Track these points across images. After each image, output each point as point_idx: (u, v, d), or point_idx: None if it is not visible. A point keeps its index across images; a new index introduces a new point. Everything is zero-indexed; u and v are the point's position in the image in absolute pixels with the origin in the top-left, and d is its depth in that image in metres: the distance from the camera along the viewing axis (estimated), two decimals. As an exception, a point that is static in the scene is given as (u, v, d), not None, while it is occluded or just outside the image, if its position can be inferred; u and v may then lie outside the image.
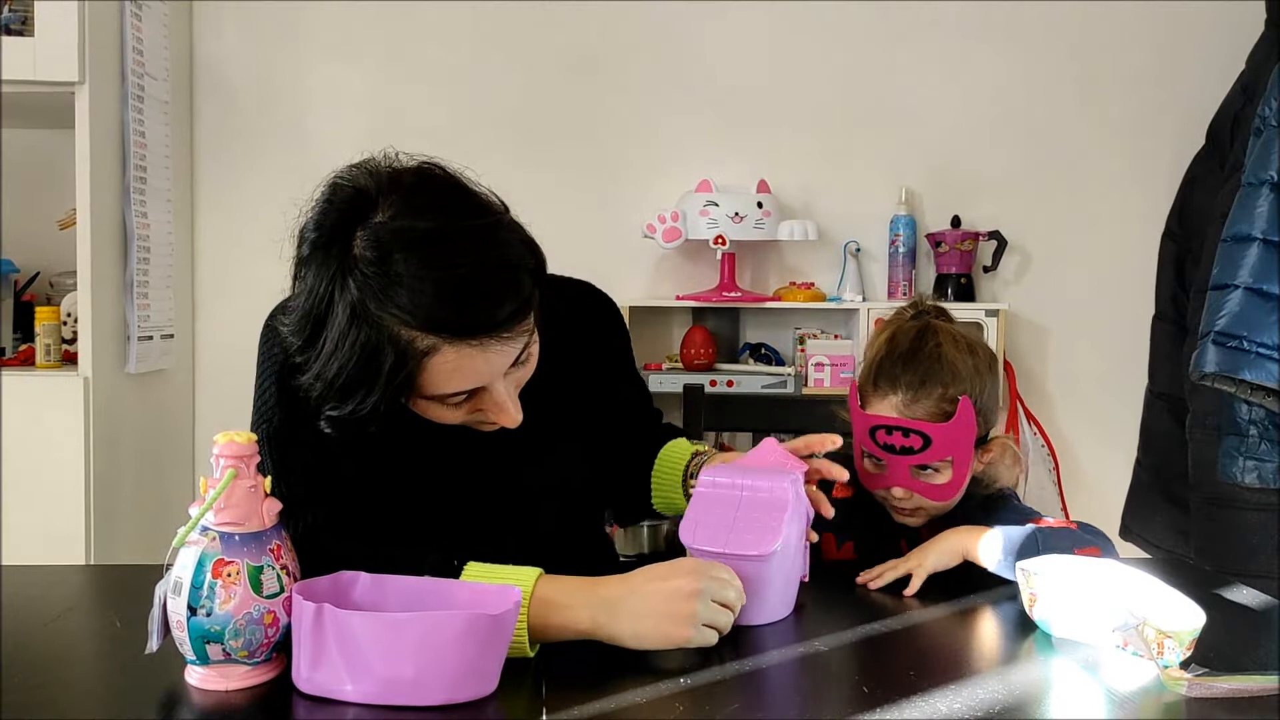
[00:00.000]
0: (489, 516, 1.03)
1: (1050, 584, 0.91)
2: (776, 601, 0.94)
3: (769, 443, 1.01)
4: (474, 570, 0.86)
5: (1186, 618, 0.85)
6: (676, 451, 1.13)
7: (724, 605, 0.85)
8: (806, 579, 1.00)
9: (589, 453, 1.11)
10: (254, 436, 0.81)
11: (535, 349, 0.91)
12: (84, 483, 1.85)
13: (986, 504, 1.17)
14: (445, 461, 1.01)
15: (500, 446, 0.98)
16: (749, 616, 0.91)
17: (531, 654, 0.83)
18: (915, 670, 0.84)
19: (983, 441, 1.15)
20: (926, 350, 1.11)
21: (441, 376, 0.84)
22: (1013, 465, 1.19)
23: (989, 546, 1.02)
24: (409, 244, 0.81)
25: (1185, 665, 0.81)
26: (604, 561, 1.19)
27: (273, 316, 0.98)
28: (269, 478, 0.81)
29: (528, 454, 1.03)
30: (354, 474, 0.96)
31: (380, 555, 0.87)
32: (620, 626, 0.83)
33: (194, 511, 0.77)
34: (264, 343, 0.99)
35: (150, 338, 2.09)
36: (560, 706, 0.74)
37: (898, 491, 1.11)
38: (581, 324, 1.12)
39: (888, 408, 1.11)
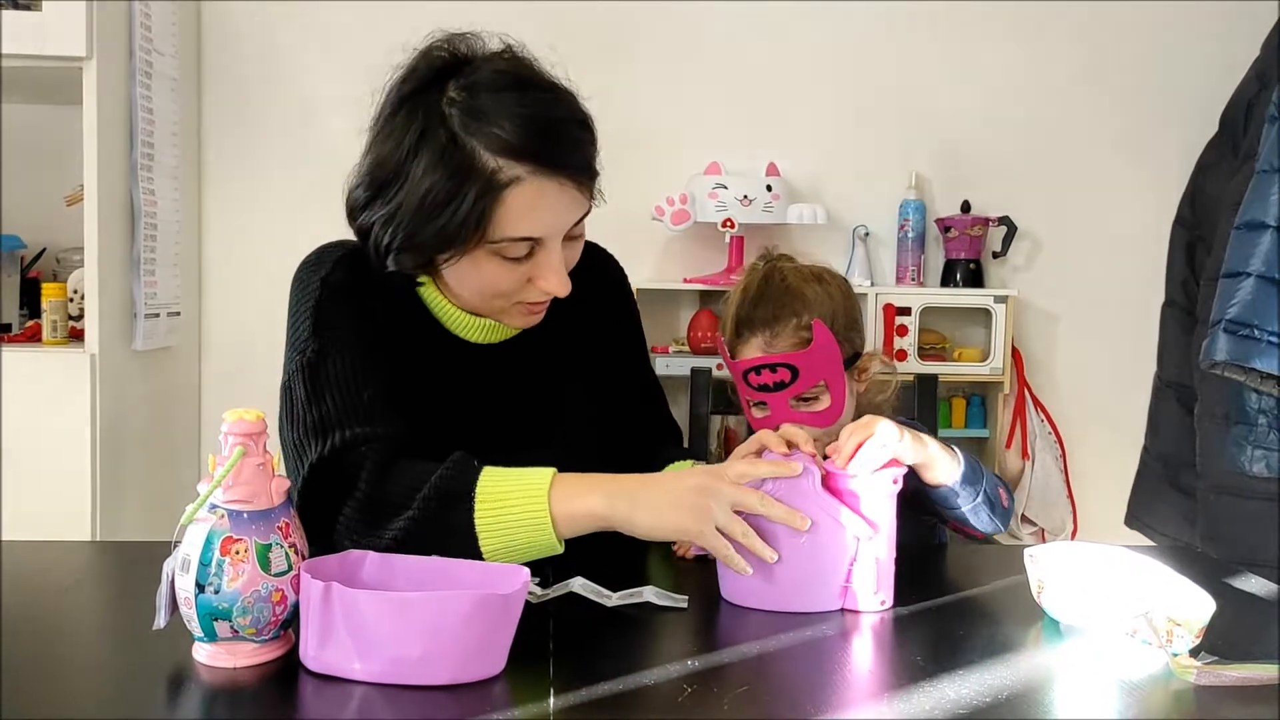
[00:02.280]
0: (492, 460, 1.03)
1: (1058, 571, 0.91)
2: (822, 588, 0.91)
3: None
4: (491, 473, 0.89)
5: (1196, 606, 0.84)
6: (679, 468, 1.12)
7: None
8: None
9: (599, 427, 1.12)
10: (262, 414, 0.80)
11: (583, 239, 1.00)
12: (90, 459, 1.86)
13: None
14: (459, 404, 1.03)
15: (511, 399, 1.04)
16: (793, 602, 0.89)
17: (561, 549, 0.86)
18: (922, 655, 0.83)
19: (855, 361, 1.19)
20: (774, 288, 1.16)
21: (517, 211, 0.91)
22: (887, 375, 1.24)
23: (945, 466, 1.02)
24: (502, 86, 0.91)
25: (1195, 654, 0.81)
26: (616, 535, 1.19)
27: (309, 260, 1.03)
28: (296, 410, 0.88)
29: (537, 412, 1.07)
30: (385, 399, 0.97)
31: (410, 464, 0.90)
32: (636, 514, 0.85)
33: (202, 489, 0.77)
34: (300, 281, 1.03)
35: (157, 315, 2.08)
36: (568, 687, 0.74)
37: (785, 428, 1.12)
38: (597, 287, 1.16)
39: (753, 349, 1.15)
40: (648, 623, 0.88)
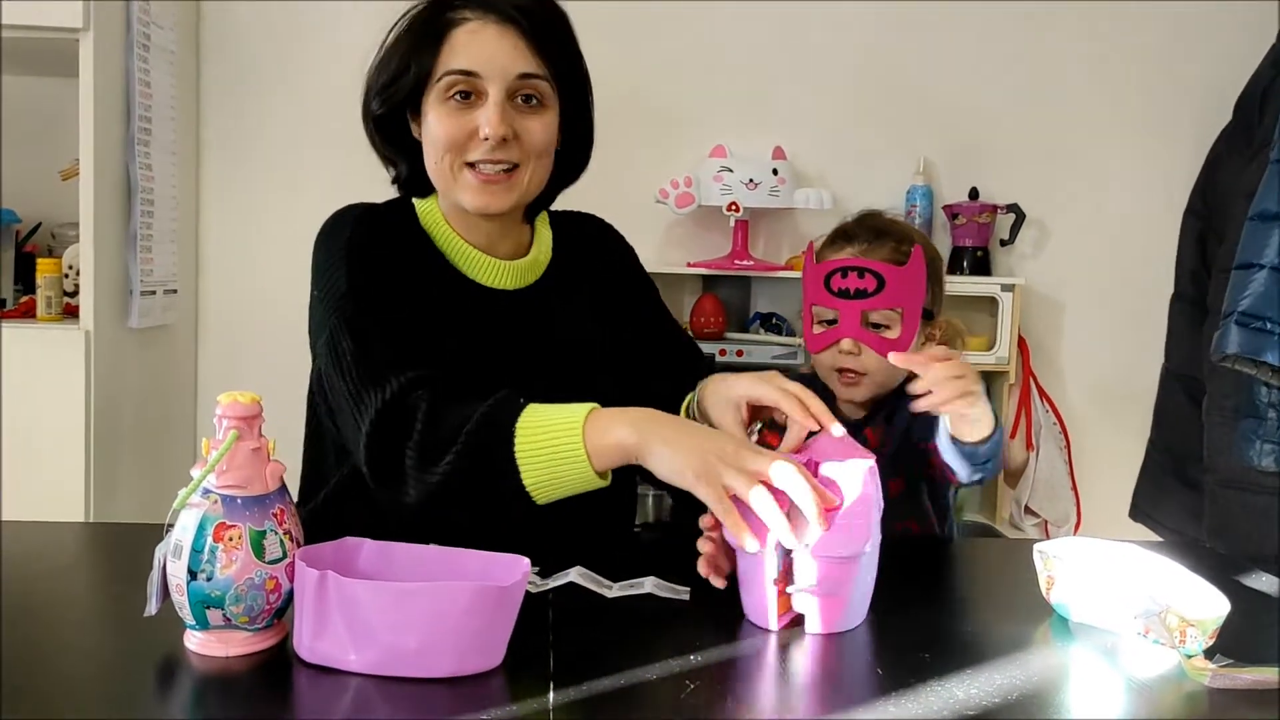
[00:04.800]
0: None
1: (1069, 567, 0.89)
2: (859, 606, 0.86)
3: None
4: (534, 408, 0.90)
5: (1210, 605, 0.83)
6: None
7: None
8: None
9: (624, 395, 1.11)
10: (257, 397, 0.78)
11: (552, 117, 1.04)
12: (84, 438, 1.84)
13: (904, 406, 1.12)
14: (485, 355, 1.05)
15: (534, 345, 1.07)
16: (830, 623, 0.83)
17: (604, 482, 0.88)
18: (929, 653, 0.82)
19: (929, 319, 1.19)
20: (881, 218, 1.20)
21: (458, 46, 1.01)
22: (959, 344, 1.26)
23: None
24: None
25: (1210, 654, 0.80)
26: (622, 518, 1.17)
27: (329, 223, 1.06)
28: (347, 366, 0.93)
29: (560, 357, 1.09)
30: (425, 345, 1.00)
31: (460, 403, 0.91)
32: (657, 447, 0.84)
33: (196, 473, 0.75)
34: (325, 243, 1.05)
35: (153, 292, 2.06)
36: (568, 681, 0.72)
37: (845, 344, 1.12)
38: (603, 259, 1.20)
39: (844, 255, 1.16)
40: (649, 615, 0.86)
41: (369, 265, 1.02)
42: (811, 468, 0.85)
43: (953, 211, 2.34)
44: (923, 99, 2.39)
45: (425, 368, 0.96)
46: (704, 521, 0.92)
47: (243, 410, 0.76)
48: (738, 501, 0.81)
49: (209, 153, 2.33)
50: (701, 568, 0.91)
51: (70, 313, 1.94)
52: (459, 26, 1.01)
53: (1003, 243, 2.38)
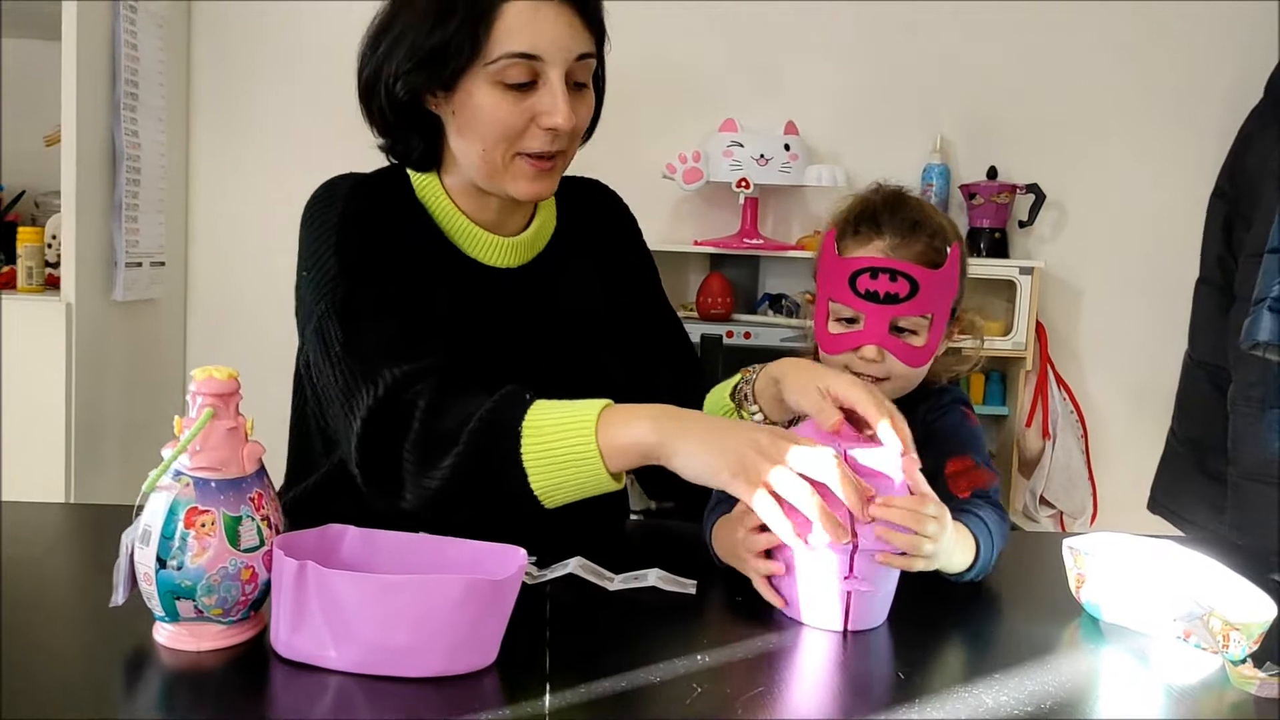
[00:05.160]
0: None
1: (1102, 564, 0.84)
2: (886, 603, 0.81)
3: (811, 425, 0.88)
4: (541, 405, 0.84)
5: (1256, 608, 0.77)
6: (721, 387, 1.04)
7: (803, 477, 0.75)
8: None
9: (629, 372, 1.07)
10: (235, 373, 0.73)
11: (593, 97, 0.98)
12: (65, 414, 1.79)
13: (936, 397, 1.07)
14: (484, 336, 1.00)
15: (533, 326, 1.01)
16: (863, 620, 0.80)
17: (618, 485, 0.81)
18: (952, 654, 0.78)
19: (953, 317, 1.09)
20: (909, 202, 1.05)
21: (514, 25, 0.90)
22: (970, 348, 1.12)
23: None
24: None
25: (1259, 662, 0.74)
26: (616, 509, 1.11)
27: (318, 195, 0.99)
28: (334, 356, 0.86)
29: (559, 340, 1.04)
30: (422, 329, 0.94)
31: (463, 397, 0.85)
32: (681, 444, 0.78)
33: (167, 454, 0.70)
34: (313, 218, 0.98)
35: (139, 264, 2.01)
36: (566, 682, 0.67)
37: (869, 351, 1.00)
38: (609, 228, 1.14)
39: (872, 251, 1.01)
40: (652, 610, 0.82)
41: (361, 244, 0.95)
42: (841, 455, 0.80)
43: (970, 191, 2.29)
44: (941, 75, 2.33)
45: (423, 358, 0.90)
46: (744, 527, 0.83)
47: (218, 386, 0.72)
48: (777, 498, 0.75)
49: (200, 120, 2.27)
50: (763, 589, 0.82)
51: (52, 284, 1.89)
52: (510, 2, 0.91)
53: (1021, 224, 2.33)
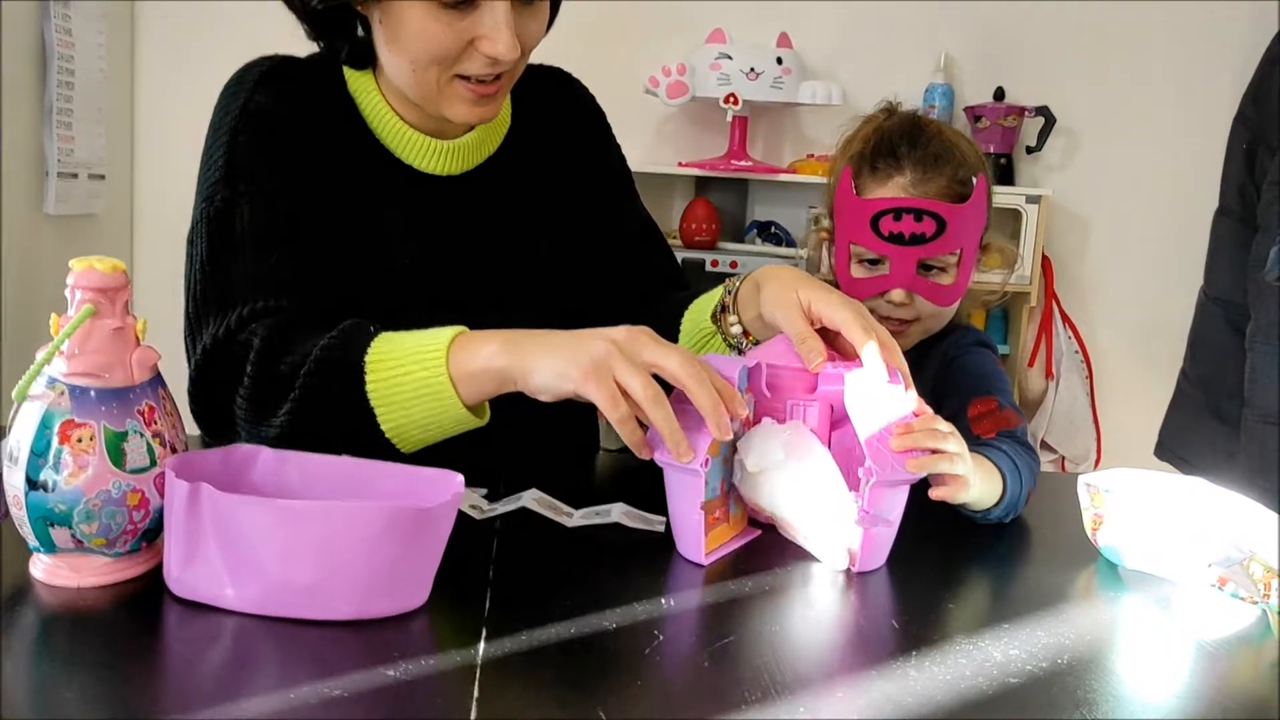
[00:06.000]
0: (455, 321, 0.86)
1: (1124, 504, 0.75)
2: (886, 544, 0.73)
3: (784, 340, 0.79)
4: (386, 337, 0.74)
5: (1299, 554, 0.68)
6: (702, 302, 0.92)
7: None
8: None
9: (585, 280, 0.97)
10: (121, 265, 0.63)
11: (546, 8, 0.84)
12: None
13: (958, 335, 1.01)
14: (415, 252, 0.88)
15: (477, 245, 0.91)
16: (867, 561, 0.71)
17: (480, 420, 0.73)
18: (954, 602, 0.69)
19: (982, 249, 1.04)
20: (928, 130, 0.98)
21: None
22: (995, 283, 1.09)
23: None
24: None
25: (1304, 614, 0.66)
26: (584, 438, 1.01)
27: (230, 81, 0.88)
28: (195, 273, 0.74)
29: (509, 261, 0.92)
30: (303, 266, 0.82)
31: (301, 337, 0.75)
32: (529, 360, 0.69)
33: (41, 356, 0.60)
34: (219, 109, 0.87)
35: (74, 175, 1.87)
36: (504, 629, 0.58)
37: (897, 295, 0.95)
38: (573, 126, 1.01)
39: (893, 189, 0.96)
40: (614, 549, 0.73)
41: (258, 149, 0.83)
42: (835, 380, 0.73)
43: (975, 113, 2.19)
44: (947, -14, 2.20)
45: (288, 293, 0.79)
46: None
47: (101, 280, 0.61)
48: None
49: (146, 25, 2.12)
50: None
51: (-22, 194, 1.76)
52: None
53: (1029, 150, 2.22)
